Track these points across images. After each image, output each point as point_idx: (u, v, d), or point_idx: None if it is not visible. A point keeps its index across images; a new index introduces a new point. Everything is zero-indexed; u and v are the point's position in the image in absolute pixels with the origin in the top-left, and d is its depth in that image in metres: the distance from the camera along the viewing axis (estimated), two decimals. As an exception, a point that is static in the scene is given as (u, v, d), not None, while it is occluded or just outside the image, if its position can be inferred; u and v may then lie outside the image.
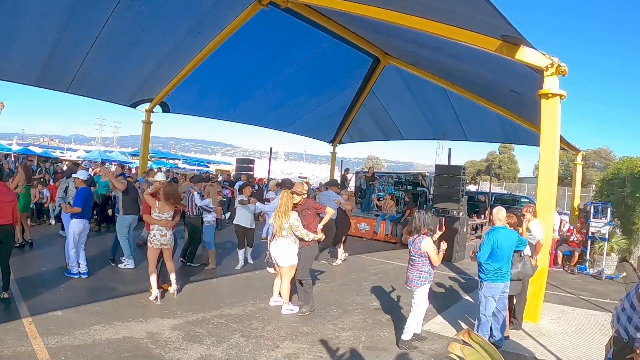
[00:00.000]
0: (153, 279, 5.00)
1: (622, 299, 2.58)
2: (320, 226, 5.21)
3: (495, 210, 4.36)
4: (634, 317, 2.39)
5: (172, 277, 5.18)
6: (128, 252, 6.31)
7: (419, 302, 4.08)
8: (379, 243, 10.60)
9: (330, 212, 5.25)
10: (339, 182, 10.06)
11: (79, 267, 5.60)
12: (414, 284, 4.05)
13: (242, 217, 6.92)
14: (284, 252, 4.82)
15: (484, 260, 4.08)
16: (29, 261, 6.27)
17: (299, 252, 4.88)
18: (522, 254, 4.45)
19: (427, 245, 3.96)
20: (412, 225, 4.11)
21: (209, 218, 6.77)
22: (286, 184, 6.74)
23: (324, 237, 5.15)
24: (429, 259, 3.99)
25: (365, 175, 14.17)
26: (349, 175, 15.96)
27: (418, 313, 4.11)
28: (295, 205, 5.00)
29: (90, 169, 10.16)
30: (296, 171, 46.73)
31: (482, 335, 4.07)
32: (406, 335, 4.04)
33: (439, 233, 4.25)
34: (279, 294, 5.08)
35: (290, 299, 5.04)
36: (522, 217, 5.01)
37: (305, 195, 5.28)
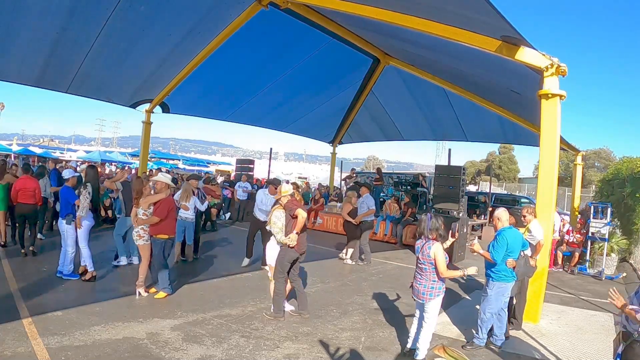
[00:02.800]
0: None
1: (631, 296, 2.59)
2: (295, 231, 4.59)
3: (499, 212, 4.27)
4: None
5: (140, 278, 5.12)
6: (121, 250, 6.50)
7: (433, 317, 3.66)
8: (379, 243, 10.59)
9: (300, 215, 4.58)
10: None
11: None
12: (427, 296, 3.61)
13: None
14: (268, 250, 4.96)
15: (500, 260, 4.01)
16: (29, 261, 6.26)
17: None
18: (522, 254, 4.44)
19: (436, 250, 3.58)
20: (418, 229, 3.78)
21: (186, 215, 6.91)
22: (274, 183, 6.82)
23: (293, 243, 4.58)
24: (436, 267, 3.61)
25: (375, 178, 14.08)
26: (354, 176, 15.83)
27: (431, 329, 3.71)
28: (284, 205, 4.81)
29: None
30: (296, 171, 46.70)
31: (484, 334, 4.05)
32: (421, 355, 3.67)
33: (450, 240, 4.04)
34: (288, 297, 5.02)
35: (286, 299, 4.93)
36: (522, 218, 5.01)
37: (288, 196, 4.80)
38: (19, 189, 6.62)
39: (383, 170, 15.60)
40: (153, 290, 5.20)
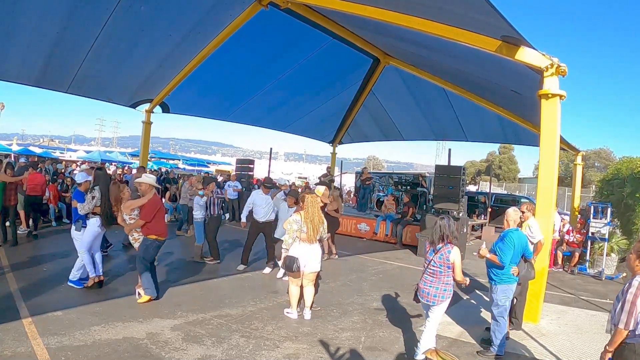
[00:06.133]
0: None
1: (615, 300, 2.60)
2: None
3: (510, 212, 4.20)
4: (616, 311, 2.43)
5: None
6: None
7: (439, 318, 3.74)
8: (379, 243, 10.60)
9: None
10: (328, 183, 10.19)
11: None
12: (438, 298, 3.63)
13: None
14: (318, 257, 4.81)
15: (508, 262, 3.95)
16: (29, 261, 6.26)
17: None
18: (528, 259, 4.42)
19: (456, 255, 3.63)
20: (435, 234, 3.71)
21: (195, 214, 7.32)
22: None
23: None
24: (453, 271, 3.68)
25: (361, 177, 14.35)
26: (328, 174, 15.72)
27: (435, 329, 3.76)
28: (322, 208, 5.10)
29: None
30: (296, 171, 46.72)
31: (501, 336, 3.95)
32: (420, 356, 3.71)
33: None
34: (301, 301, 4.92)
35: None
36: (521, 214, 4.98)
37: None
38: (30, 184, 7.91)
39: (383, 170, 15.70)
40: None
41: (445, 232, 3.67)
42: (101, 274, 5.37)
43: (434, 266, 3.68)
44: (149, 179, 5.12)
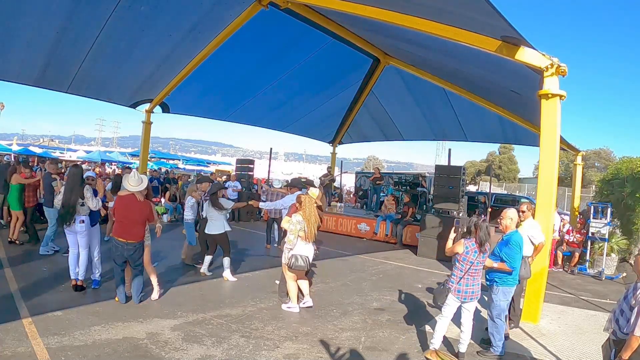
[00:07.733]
0: None
1: (620, 300, 2.59)
2: None
3: (513, 211, 4.23)
4: (632, 319, 2.40)
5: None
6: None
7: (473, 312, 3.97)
8: (379, 243, 10.60)
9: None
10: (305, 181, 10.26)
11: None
12: (477, 293, 3.89)
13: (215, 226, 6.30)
14: (312, 254, 5.21)
15: (518, 266, 4.01)
16: (29, 261, 6.26)
17: None
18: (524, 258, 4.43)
19: None
20: (485, 236, 3.88)
21: (186, 216, 7.11)
22: (295, 184, 7.00)
23: None
24: None
25: (372, 176, 14.25)
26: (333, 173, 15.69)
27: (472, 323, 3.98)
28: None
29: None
30: (296, 171, 46.64)
31: (500, 337, 3.97)
32: (464, 348, 3.93)
33: (453, 235, 4.39)
34: (301, 292, 5.27)
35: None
36: (521, 213, 4.98)
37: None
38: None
39: (383, 170, 15.64)
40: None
41: (488, 233, 3.91)
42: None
43: (477, 266, 3.84)
44: (130, 178, 4.78)
